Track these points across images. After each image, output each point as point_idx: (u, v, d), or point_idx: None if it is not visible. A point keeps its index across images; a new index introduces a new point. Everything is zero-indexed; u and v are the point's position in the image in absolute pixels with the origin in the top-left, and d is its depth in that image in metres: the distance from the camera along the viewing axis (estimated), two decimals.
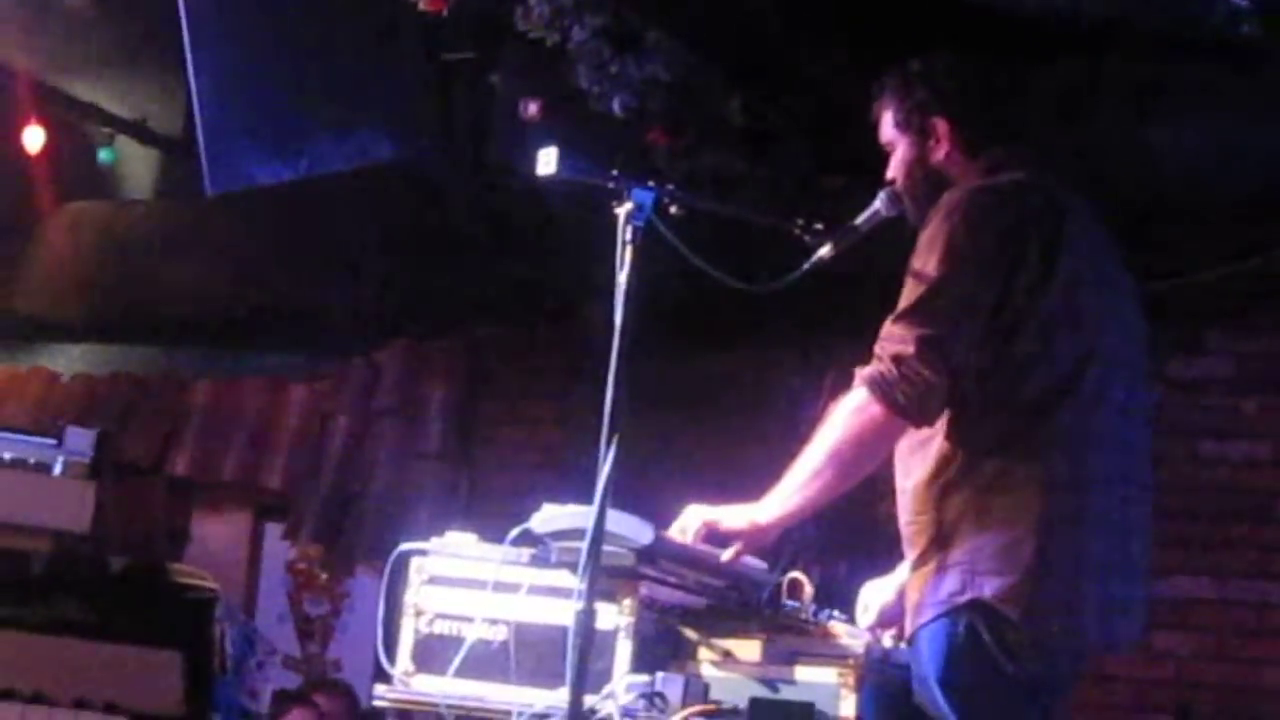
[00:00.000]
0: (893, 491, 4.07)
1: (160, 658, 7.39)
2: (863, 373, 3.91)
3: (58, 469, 7.57)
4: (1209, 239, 6.87)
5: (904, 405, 3.85)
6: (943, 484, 3.87)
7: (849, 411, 3.93)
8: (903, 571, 4.28)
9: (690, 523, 4.05)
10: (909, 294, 3.89)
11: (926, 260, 3.88)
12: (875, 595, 4.35)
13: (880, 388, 3.86)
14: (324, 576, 9.22)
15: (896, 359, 3.84)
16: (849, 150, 5.80)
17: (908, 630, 3.92)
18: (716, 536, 4.05)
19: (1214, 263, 6.94)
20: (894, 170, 4.21)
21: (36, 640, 7.21)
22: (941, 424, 3.89)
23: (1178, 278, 6.80)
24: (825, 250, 4.16)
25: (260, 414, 9.34)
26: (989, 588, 3.77)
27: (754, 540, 4.03)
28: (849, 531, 6.47)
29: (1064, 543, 3.80)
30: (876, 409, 3.88)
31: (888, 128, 4.24)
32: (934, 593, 3.83)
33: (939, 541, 3.86)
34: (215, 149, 5.96)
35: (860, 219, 4.20)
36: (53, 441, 7.63)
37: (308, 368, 9.34)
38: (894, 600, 4.30)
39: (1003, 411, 3.85)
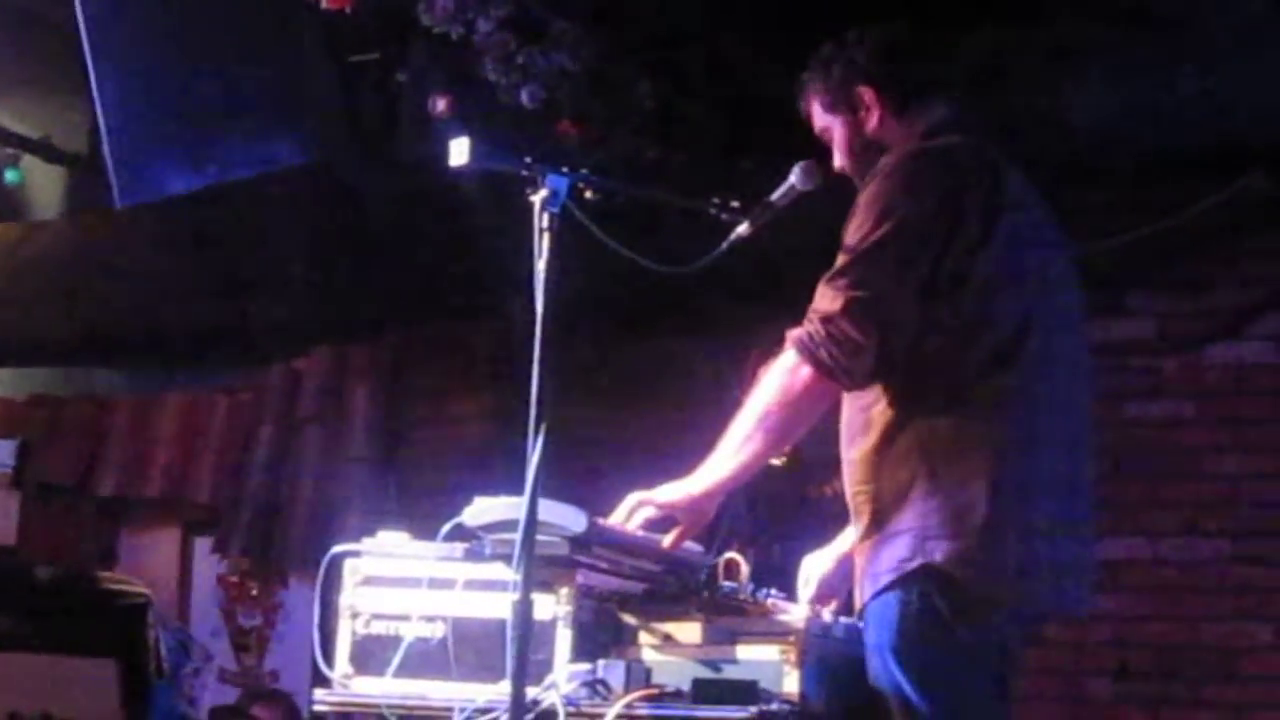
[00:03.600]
0: (825, 473, 4.07)
1: (95, 666, 7.32)
2: (792, 333, 3.90)
3: None
4: (1126, 201, 6.91)
5: (830, 366, 3.84)
6: (889, 451, 3.85)
7: (778, 373, 3.92)
8: (842, 543, 4.27)
9: (629, 509, 4.04)
10: (842, 255, 3.88)
11: (862, 222, 3.87)
12: (815, 567, 4.34)
13: (807, 348, 3.85)
14: (256, 588, 9.17)
15: (825, 319, 3.83)
16: (762, 130, 5.81)
17: (858, 601, 3.91)
18: (658, 523, 4.03)
19: (1132, 224, 6.97)
20: (837, 157, 4.21)
21: None
22: (883, 390, 3.88)
23: (1096, 240, 6.83)
24: (742, 228, 4.14)
25: (183, 428, 9.28)
26: (940, 552, 3.75)
27: (693, 516, 4.01)
28: (782, 513, 6.46)
29: (1015, 506, 3.79)
30: (804, 370, 3.87)
31: (820, 117, 4.23)
32: (884, 560, 3.81)
33: (887, 509, 3.84)
34: (123, 161, 5.89)
35: (776, 194, 4.16)
36: None
37: (229, 379, 9.28)
38: (834, 571, 4.29)
39: (948, 375, 3.84)
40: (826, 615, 4.15)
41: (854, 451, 3.94)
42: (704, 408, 4.12)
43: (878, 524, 3.85)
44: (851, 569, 4.09)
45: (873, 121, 4.14)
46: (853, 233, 3.88)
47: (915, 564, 3.76)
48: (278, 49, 6.27)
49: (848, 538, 4.20)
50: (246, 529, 8.92)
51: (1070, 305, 4.08)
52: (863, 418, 3.92)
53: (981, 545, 3.75)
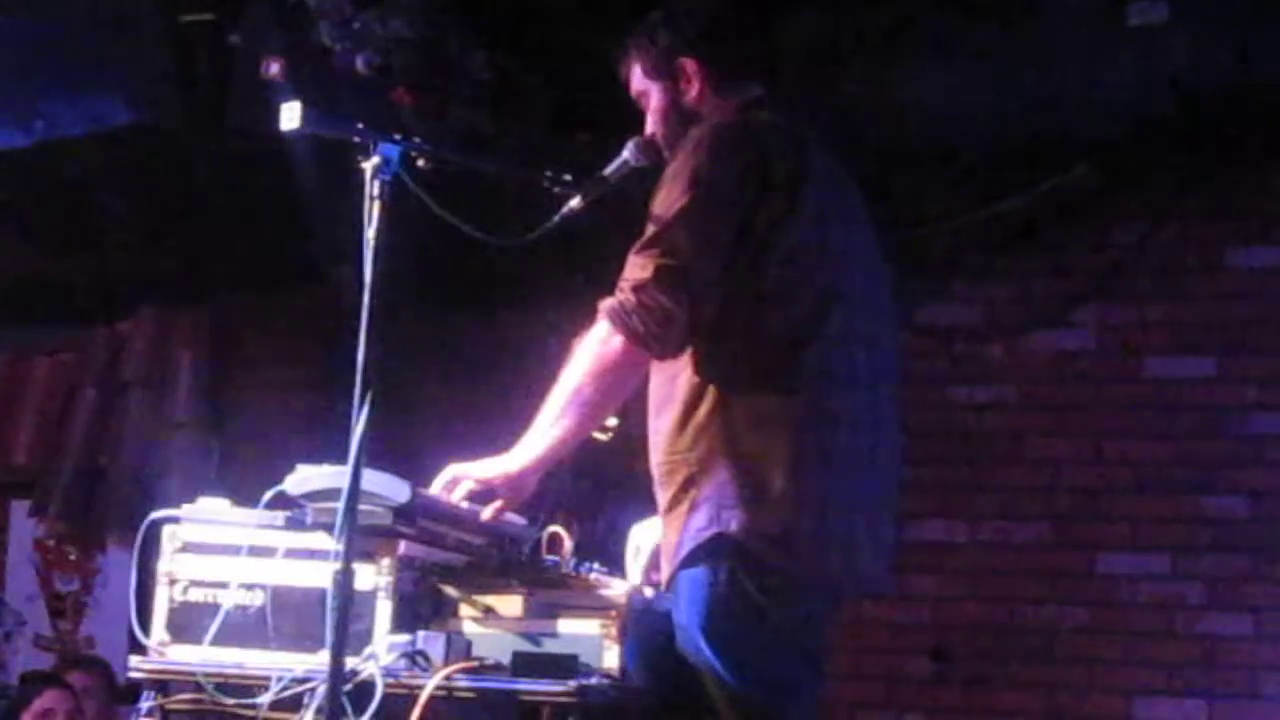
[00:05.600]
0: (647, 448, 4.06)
1: None
2: (603, 304, 3.89)
3: None
4: (954, 187, 6.98)
5: (643, 334, 3.83)
6: (692, 421, 3.86)
7: (590, 345, 3.91)
8: None
9: (448, 481, 4.02)
10: (651, 225, 3.89)
11: (670, 192, 3.89)
12: (646, 536, 4.35)
13: (620, 317, 3.85)
14: (74, 553, 9.04)
15: (636, 287, 3.83)
16: (597, 105, 5.80)
17: (664, 574, 3.92)
18: (478, 496, 4.02)
19: (959, 210, 7.05)
20: (651, 123, 4.21)
21: None
22: (688, 361, 3.89)
23: (925, 226, 6.91)
24: (575, 202, 4.14)
25: (2, 388, 9.12)
26: (735, 522, 3.77)
27: (511, 492, 4.00)
28: (606, 487, 6.48)
29: (812, 480, 3.81)
30: (616, 340, 3.86)
31: (639, 81, 4.23)
32: (685, 530, 3.83)
33: (689, 479, 3.85)
34: None
35: (609, 169, 4.18)
36: None
37: (51, 340, 9.12)
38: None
39: (750, 347, 3.85)
40: (648, 591, 4.17)
41: (659, 422, 3.95)
42: (530, 381, 4.09)
43: (683, 496, 3.87)
44: None
45: (692, 93, 4.15)
46: (661, 202, 3.90)
47: (710, 533, 3.78)
48: (109, 7, 6.17)
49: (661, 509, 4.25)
50: (65, 493, 8.79)
51: (875, 284, 4.12)
52: (668, 389, 3.93)
53: (777, 519, 3.78)
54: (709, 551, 3.80)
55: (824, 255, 3.93)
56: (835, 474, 3.86)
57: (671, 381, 3.92)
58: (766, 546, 3.78)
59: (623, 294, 3.86)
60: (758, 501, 3.78)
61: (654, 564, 4.29)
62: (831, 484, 3.85)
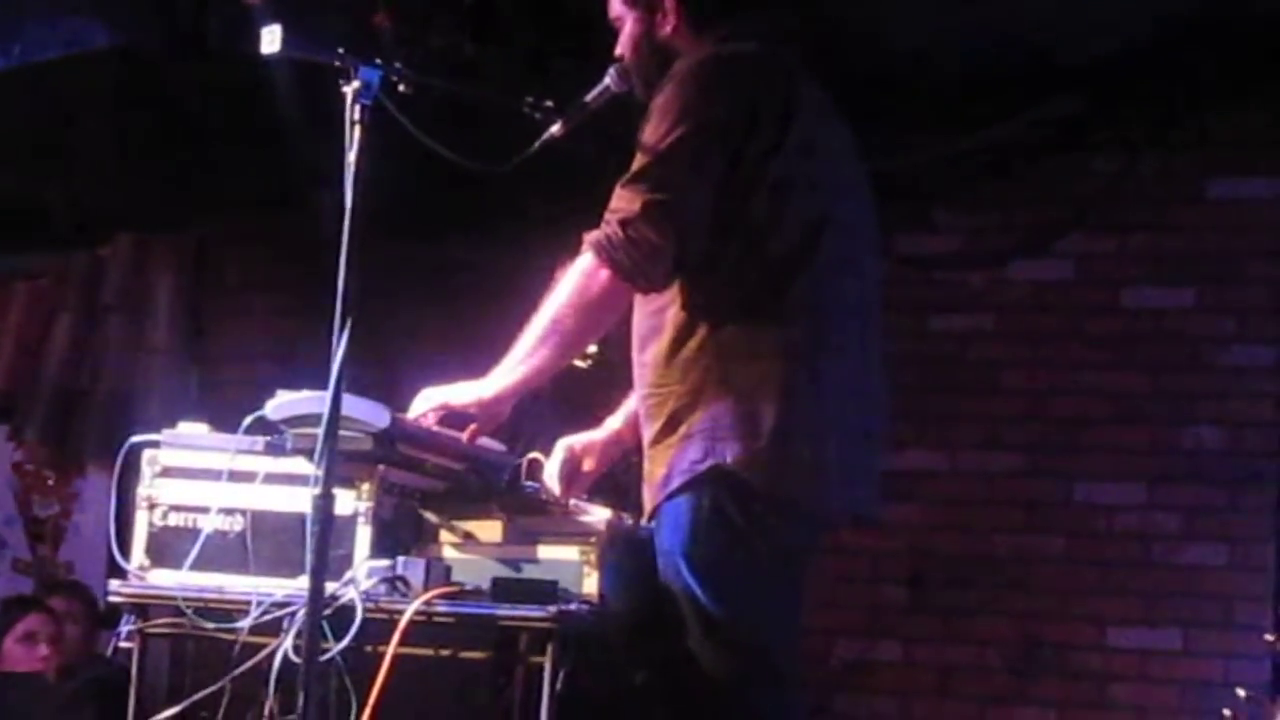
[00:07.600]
0: (630, 376, 4.07)
1: None
2: (589, 236, 3.89)
3: None
4: (936, 115, 6.96)
5: (629, 268, 3.84)
6: (681, 354, 3.88)
7: (574, 276, 3.92)
8: (597, 432, 4.33)
9: (423, 405, 4.03)
10: (639, 159, 3.90)
11: (658, 126, 3.89)
12: (563, 450, 4.33)
13: (605, 250, 3.85)
14: (53, 477, 9.03)
15: (622, 222, 3.84)
16: (578, 32, 5.78)
17: (649, 505, 3.93)
18: (452, 418, 4.03)
19: (941, 139, 7.03)
20: (622, 46, 4.20)
21: None
22: (677, 292, 3.90)
23: (906, 154, 6.88)
24: (556, 128, 4.14)
25: None
26: (730, 453, 3.79)
27: (487, 417, 4.01)
28: (587, 417, 6.48)
29: (805, 409, 3.83)
30: (602, 273, 3.87)
31: (616, 4, 4.22)
32: (676, 463, 3.84)
33: (679, 412, 3.87)
34: None
35: (590, 95, 4.18)
36: None
37: (29, 265, 9.09)
38: (583, 449, 4.32)
39: (740, 277, 3.86)
40: (627, 519, 4.18)
41: (646, 355, 3.97)
42: (521, 308, 4.09)
43: (670, 427, 3.88)
44: (606, 455, 4.17)
45: (666, 28, 4.14)
46: (649, 135, 3.90)
47: (706, 465, 3.81)
48: None
49: (607, 428, 4.24)
50: (44, 417, 8.78)
51: (862, 213, 4.13)
52: (654, 321, 3.94)
53: (772, 448, 3.80)
54: (699, 481, 3.81)
55: (813, 185, 3.93)
56: (828, 402, 3.88)
57: (658, 314, 3.93)
58: (762, 476, 3.79)
59: (609, 227, 3.86)
60: (753, 432, 3.80)
61: (572, 475, 4.29)
62: (824, 412, 3.87)
